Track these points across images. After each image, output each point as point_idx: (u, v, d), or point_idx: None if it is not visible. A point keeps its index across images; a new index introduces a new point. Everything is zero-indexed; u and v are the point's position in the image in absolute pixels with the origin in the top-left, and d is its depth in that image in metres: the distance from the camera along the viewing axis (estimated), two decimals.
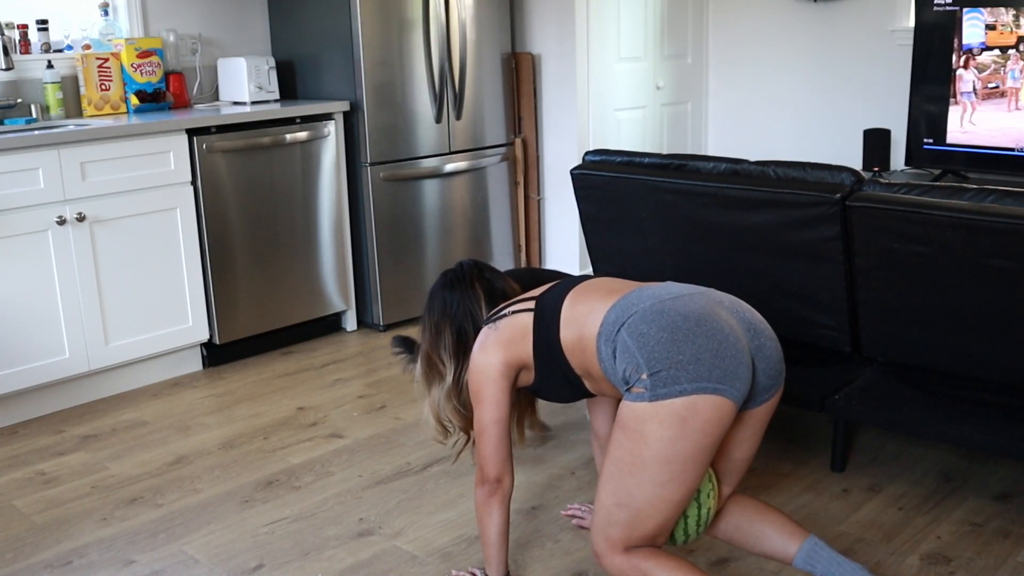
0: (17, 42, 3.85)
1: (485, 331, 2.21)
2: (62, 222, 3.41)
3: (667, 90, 5.14)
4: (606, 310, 2.02)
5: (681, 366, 1.88)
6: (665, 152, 3.62)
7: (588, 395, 2.22)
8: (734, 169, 2.81)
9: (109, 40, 4.06)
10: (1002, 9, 4.01)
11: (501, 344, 2.16)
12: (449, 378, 2.35)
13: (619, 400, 2.33)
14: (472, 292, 2.35)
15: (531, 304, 2.17)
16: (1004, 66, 4.04)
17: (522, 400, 2.46)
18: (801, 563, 2.13)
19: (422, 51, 4.28)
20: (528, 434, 2.97)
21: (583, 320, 2.06)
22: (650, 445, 1.90)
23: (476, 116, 4.55)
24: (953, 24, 4.12)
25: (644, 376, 1.90)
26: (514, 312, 2.18)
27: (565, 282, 2.21)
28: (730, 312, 2.00)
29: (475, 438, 2.24)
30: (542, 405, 3.12)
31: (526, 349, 2.14)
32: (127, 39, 4.02)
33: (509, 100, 4.71)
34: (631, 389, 1.93)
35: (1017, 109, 4.04)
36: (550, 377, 2.16)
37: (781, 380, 2.05)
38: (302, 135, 4.05)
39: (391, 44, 4.19)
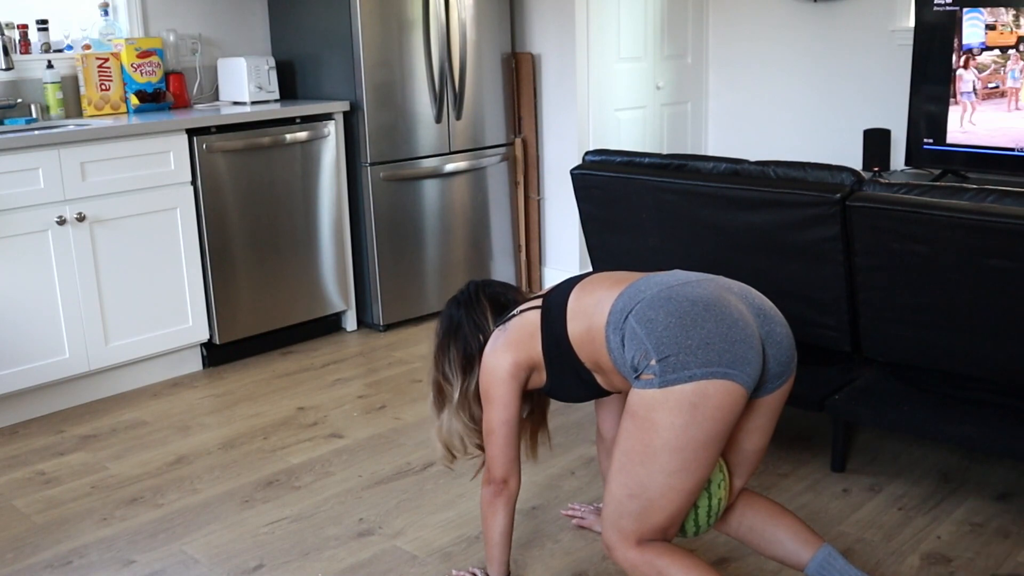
0: (17, 42, 3.85)
1: (496, 333, 2.21)
2: (62, 222, 3.41)
3: (667, 90, 5.14)
4: (613, 299, 2.01)
5: (690, 351, 1.86)
6: (665, 152, 3.61)
7: (602, 393, 2.20)
8: (734, 169, 2.81)
9: (109, 40, 4.06)
10: (1002, 9, 4.01)
11: (510, 344, 2.15)
12: (456, 394, 2.28)
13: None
14: (478, 305, 2.31)
15: (538, 302, 2.18)
16: (1004, 66, 4.03)
17: (535, 415, 2.43)
18: (814, 572, 2.11)
19: (422, 51, 4.28)
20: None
21: (591, 311, 2.05)
22: (660, 433, 1.88)
23: (476, 116, 4.55)
24: (953, 24, 4.12)
25: (653, 362, 1.88)
26: (522, 311, 2.19)
27: (573, 278, 2.21)
28: (739, 298, 1.98)
29: (484, 439, 2.23)
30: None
31: (535, 347, 2.13)
32: (127, 39, 4.02)
33: (509, 100, 4.71)
34: (640, 376, 1.91)
35: (1017, 109, 4.04)
36: (561, 375, 2.15)
37: (792, 367, 2.03)
38: (302, 135, 4.05)
39: (391, 44, 4.19)
